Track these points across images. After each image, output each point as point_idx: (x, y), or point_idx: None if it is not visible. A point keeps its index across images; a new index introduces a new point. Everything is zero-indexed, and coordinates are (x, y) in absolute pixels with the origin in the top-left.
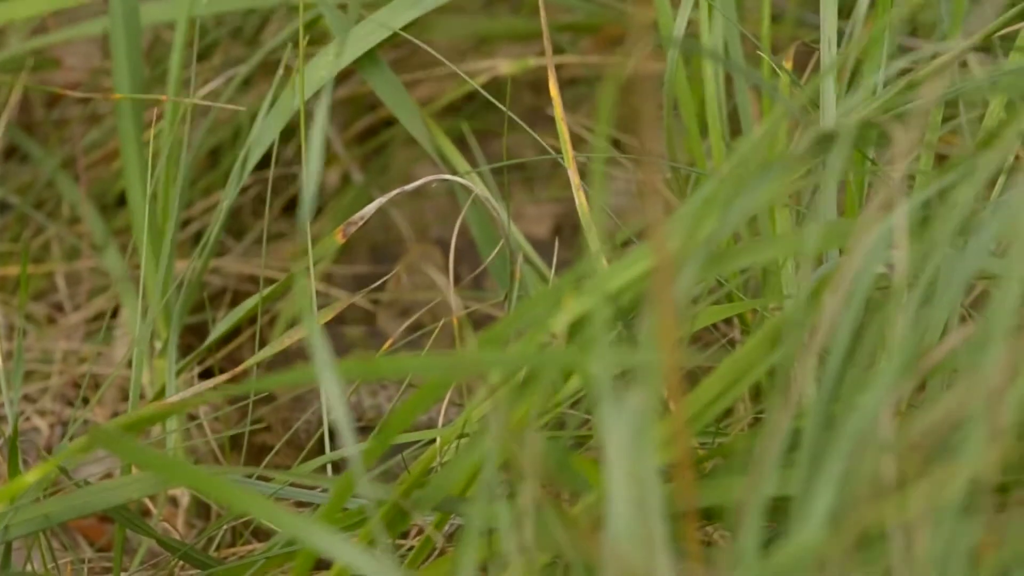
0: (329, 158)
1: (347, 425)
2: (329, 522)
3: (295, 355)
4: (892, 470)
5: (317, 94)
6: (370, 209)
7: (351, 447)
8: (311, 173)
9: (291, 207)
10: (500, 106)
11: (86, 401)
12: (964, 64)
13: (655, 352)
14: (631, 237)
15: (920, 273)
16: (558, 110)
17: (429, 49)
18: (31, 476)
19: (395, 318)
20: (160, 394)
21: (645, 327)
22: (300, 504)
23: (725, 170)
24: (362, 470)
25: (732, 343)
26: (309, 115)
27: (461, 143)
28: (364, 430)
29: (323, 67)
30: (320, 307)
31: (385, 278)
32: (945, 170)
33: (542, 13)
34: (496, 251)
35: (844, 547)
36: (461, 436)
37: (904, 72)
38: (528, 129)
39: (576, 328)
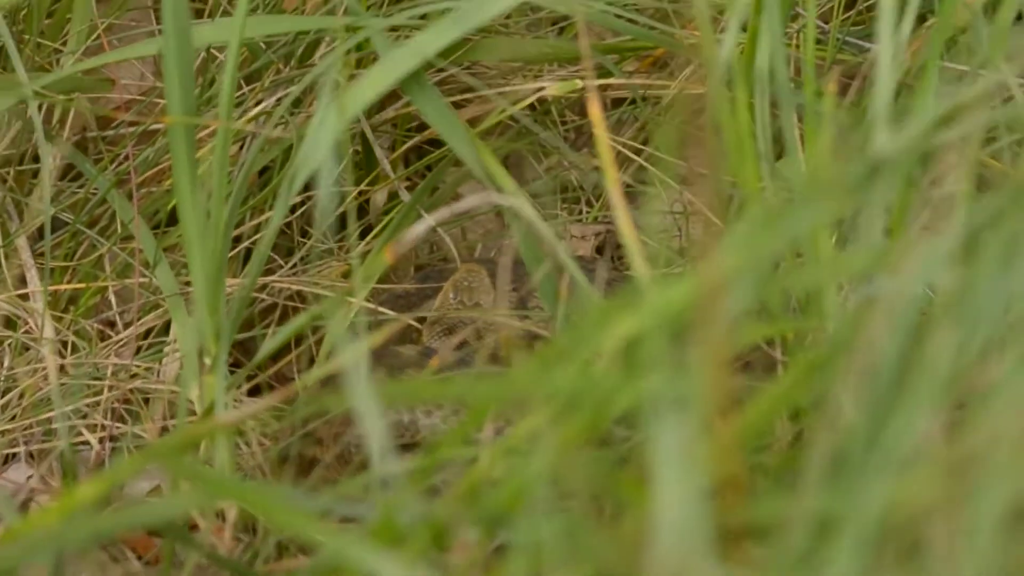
0: (376, 177)
1: (384, 447)
2: (375, 538)
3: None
4: (934, 489)
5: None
6: (418, 229)
7: (393, 468)
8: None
9: (339, 226)
10: (543, 128)
11: (136, 416)
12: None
13: (703, 372)
14: (675, 257)
15: (963, 295)
16: (599, 130)
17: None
18: (86, 492)
19: (440, 336)
20: (209, 410)
21: (693, 347)
22: (347, 520)
23: (773, 193)
24: (407, 489)
25: (773, 362)
26: (354, 136)
27: (507, 163)
28: (418, 447)
29: (367, 88)
30: (366, 324)
31: (435, 295)
32: (988, 193)
33: (582, 36)
34: (543, 270)
35: (886, 565)
36: (507, 453)
37: (947, 94)
38: (568, 151)
39: (624, 347)
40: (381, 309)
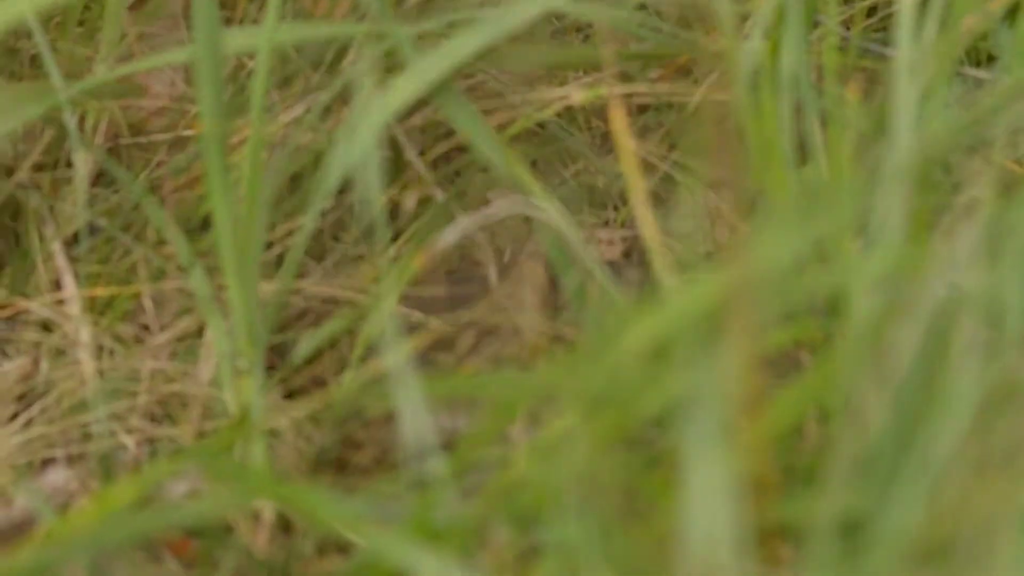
0: (406, 182)
1: (430, 442)
2: (412, 537)
3: (378, 376)
4: (966, 489)
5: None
6: (450, 235)
7: (434, 464)
8: (369, 196)
9: (371, 230)
10: (570, 134)
11: (173, 419)
12: None
13: (733, 372)
14: (699, 260)
15: (988, 298)
16: (622, 138)
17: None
18: (124, 494)
19: (475, 337)
20: (245, 413)
21: (722, 347)
22: (384, 520)
23: (795, 197)
24: (446, 487)
25: (799, 365)
26: (383, 142)
27: (534, 168)
28: (445, 449)
29: (397, 95)
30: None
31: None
32: (1010, 196)
33: (606, 43)
34: (571, 275)
35: (919, 568)
36: (538, 453)
37: (969, 101)
38: (594, 157)
39: (652, 348)
40: (415, 313)
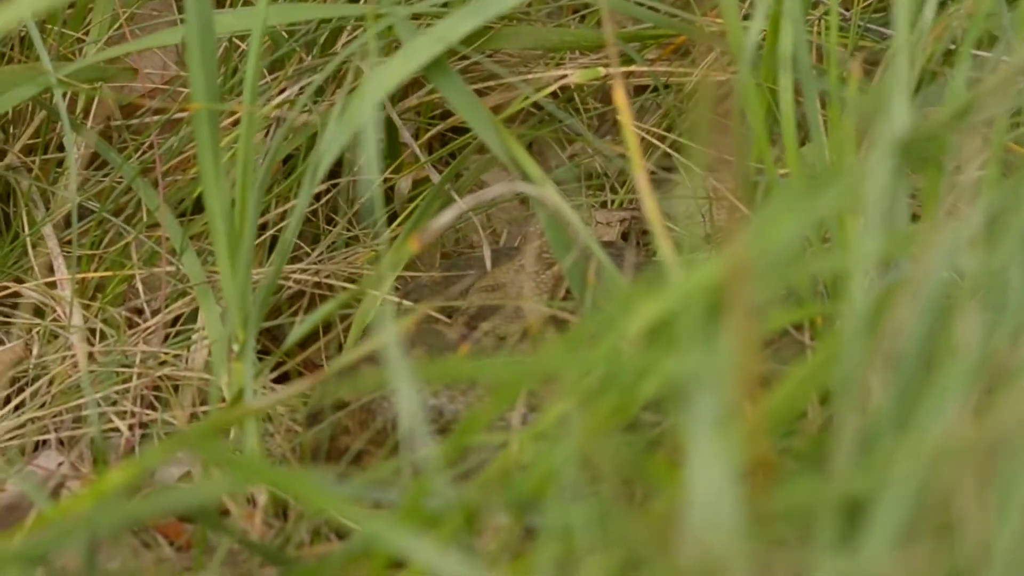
0: (401, 165)
1: (422, 425)
2: (407, 521)
3: (366, 360)
4: (965, 472)
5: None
6: (445, 217)
7: (426, 448)
8: (370, 178)
9: (365, 213)
10: (566, 115)
11: (166, 403)
12: None
13: (733, 354)
14: (699, 241)
15: (989, 279)
16: (624, 117)
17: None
18: (117, 478)
19: (470, 320)
20: (238, 397)
21: (722, 330)
22: (378, 504)
23: (797, 177)
24: (439, 471)
25: (801, 347)
26: (377, 124)
27: (530, 150)
28: (442, 433)
29: (391, 75)
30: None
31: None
32: (1012, 177)
33: (606, 23)
34: (570, 256)
35: (918, 547)
36: (536, 437)
37: (971, 81)
38: (593, 137)
39: (652, 330)
40: (405, 301)
